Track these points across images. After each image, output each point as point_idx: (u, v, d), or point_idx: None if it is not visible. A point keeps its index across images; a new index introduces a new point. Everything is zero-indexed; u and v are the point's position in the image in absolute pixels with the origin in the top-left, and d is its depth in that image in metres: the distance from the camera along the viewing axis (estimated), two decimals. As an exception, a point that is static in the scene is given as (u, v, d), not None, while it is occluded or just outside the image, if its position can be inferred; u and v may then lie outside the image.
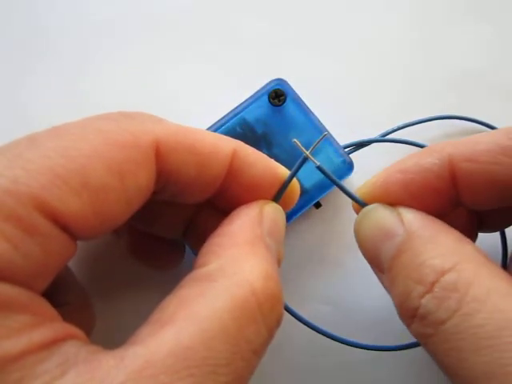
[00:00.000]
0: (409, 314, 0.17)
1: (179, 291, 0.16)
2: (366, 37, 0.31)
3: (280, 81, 0.27)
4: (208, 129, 0.27)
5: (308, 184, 0.26)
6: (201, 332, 0.14)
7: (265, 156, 0.21)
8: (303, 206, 0.26)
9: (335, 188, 0.28)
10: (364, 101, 0.30)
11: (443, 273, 0.17)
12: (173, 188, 0.19)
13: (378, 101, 0.30)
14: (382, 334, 0.27)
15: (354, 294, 0.28)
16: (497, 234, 0.27)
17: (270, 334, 0.17)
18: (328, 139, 0.27)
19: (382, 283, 0.20)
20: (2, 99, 0.30)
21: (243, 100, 0.27)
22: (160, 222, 0.23)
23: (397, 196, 0.20)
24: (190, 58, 0.31)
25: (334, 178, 0.21)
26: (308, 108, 0.27)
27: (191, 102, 0.30)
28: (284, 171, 0.21)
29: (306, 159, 0.20)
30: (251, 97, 0.27)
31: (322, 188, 0.27)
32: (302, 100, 0.27)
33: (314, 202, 0.27)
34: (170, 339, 0.14)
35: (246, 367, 0.15)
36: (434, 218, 0.19)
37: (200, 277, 0.17)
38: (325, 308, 0.28)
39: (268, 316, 0.16)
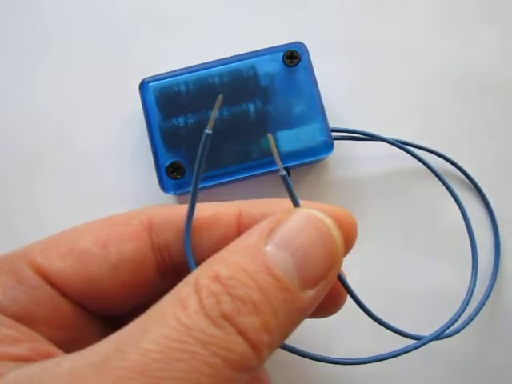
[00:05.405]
0: None
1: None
2: (373, 37, 0.31)
3: (300, 44, 0.28)
4: (216, 61, 0.28)
5: (285, 148, 0.27)
6: None
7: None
8: (271, 165, 0.27)
9: (312, 167, 0.30)
10: (372, 100, 0.31)
11: None
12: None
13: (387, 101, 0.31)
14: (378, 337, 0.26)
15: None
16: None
17: None
18: (320, 116, 0.28)
19: None
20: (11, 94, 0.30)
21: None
22: None
23: None
24: None
25: (291, 187, 0.17)
26: (316, 81, 0.28)
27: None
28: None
29: (209, 135, 0.17)
30: (267, 49, 0.28)
31: (296, 157, 0.27)
32: (313, 71, 0.28)
33: (284, 168, 0.28)
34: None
35: None
36: None
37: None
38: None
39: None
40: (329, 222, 0.16)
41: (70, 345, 0.18)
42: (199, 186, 0.26)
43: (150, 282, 0.19)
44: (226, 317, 0.14)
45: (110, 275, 0.18)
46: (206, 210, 0.19)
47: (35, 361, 0.15)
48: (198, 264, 0.16)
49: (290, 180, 0.17)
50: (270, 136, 0.17)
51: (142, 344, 0.13)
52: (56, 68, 0.31)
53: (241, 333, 0.14)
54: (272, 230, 0.16)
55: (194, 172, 0.17)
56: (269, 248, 0.15)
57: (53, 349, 0.17)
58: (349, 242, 0.18)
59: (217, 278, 0.14)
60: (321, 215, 0.16)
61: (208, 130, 0.16)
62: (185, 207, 0.19)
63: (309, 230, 0.16)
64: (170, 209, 0.20)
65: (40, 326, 0.17)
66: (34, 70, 0.31)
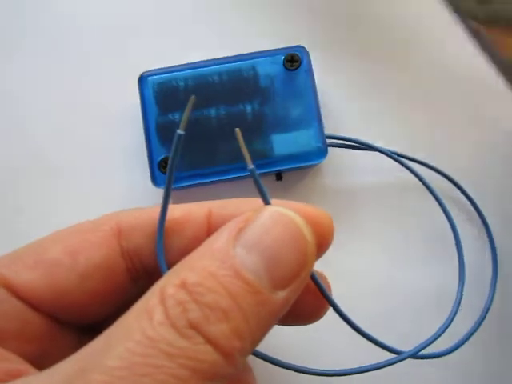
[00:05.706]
0: None
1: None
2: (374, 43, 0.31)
3: (302, 49, 0.28)
4: (217, 60, 0.28)
5: (279, 151, 0.27)
6: None
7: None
8: (264, 167, 0.27)
9: (306, 173, 0.29)
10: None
11: None
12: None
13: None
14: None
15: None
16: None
17: None
18: (316, 122, 0.27)
19: None
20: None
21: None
22: None
23: None
24: None
25: (261, 184, 0.16)
26: (315, 86, 0.28)
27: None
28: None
29: (181, 136, 0.16)
30: (268, 51, 0.28)
31: (289, 160, 0.27)
32: (313, 76, 0.28)
33: (276, 171, 0.27)
34: None
35: None
36: None
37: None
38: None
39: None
40: (298, 219, 0.15)
41: (43, 359, 0.17)
42: (189, 184, 0.27)
43: (121, 289, 0.19)
44: (193, 326, 0.13)
45: (79, 285, 0.18)
46: (175, 211, 0.19)
47: (4, 382, 0.15)
48: (169, 267, 0.16)
49: (259, 176, 0.16)
50: (237, 130, 0.16)
51: (106, 361, 0.13)
52: (56, 67, 0.31)
53: (210, 341, 0.13)
54: (240, 231, 0.15)
55: (167, 173, 0.17)
56: (237, 249, 0.15)
57: (24, 366, 0.16)
58: (324, 241, 0.18)
59: (183, 286, 0.14)
60: (290, 213, 0.15)
61: (180, 131, 0.16)
62: (154, 209, 0.18)
63: (278, 228, 0.15)
64: (139, 212, 0.19)
65: (10, 342, 0.17)
66: (34, 69, 0.31)
